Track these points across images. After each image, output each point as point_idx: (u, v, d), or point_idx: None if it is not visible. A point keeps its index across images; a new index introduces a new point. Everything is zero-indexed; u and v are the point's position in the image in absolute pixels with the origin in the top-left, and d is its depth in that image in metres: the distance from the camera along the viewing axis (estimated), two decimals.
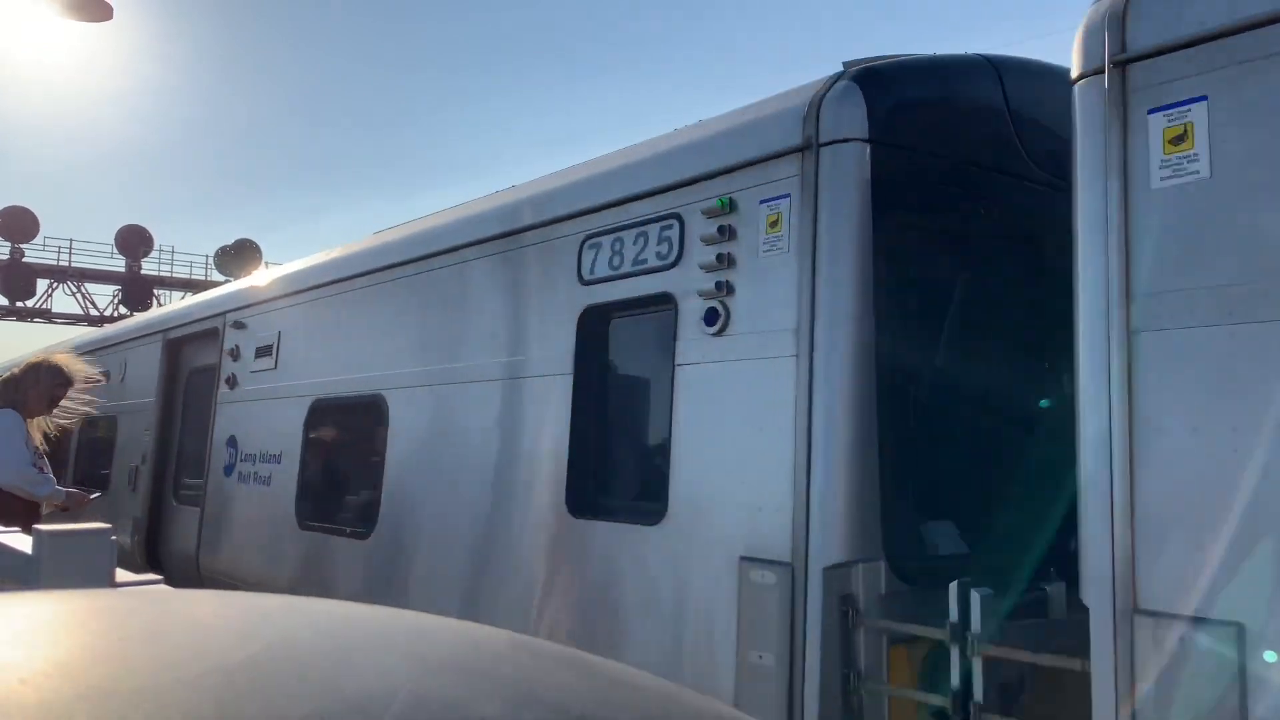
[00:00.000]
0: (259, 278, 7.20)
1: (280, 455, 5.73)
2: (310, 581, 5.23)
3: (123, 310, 33.30)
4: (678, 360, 3.23)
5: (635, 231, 3.54)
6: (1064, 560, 2.68)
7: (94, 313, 34.63)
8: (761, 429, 2.94)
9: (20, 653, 0.68)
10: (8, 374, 5.83)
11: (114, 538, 1.98)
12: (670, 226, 3.38)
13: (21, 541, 2.33)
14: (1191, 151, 2.15)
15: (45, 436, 5.90)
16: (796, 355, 2.87)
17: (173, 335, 7.59)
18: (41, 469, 5.60)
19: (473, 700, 0.68)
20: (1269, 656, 2.05)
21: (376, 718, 0.62)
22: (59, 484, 6.13)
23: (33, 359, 5.92)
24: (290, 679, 0.67)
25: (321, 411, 5.51)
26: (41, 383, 5.72)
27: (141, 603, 0.89)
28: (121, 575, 2.05)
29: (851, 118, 2.91)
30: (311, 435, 5.56)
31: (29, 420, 5.64)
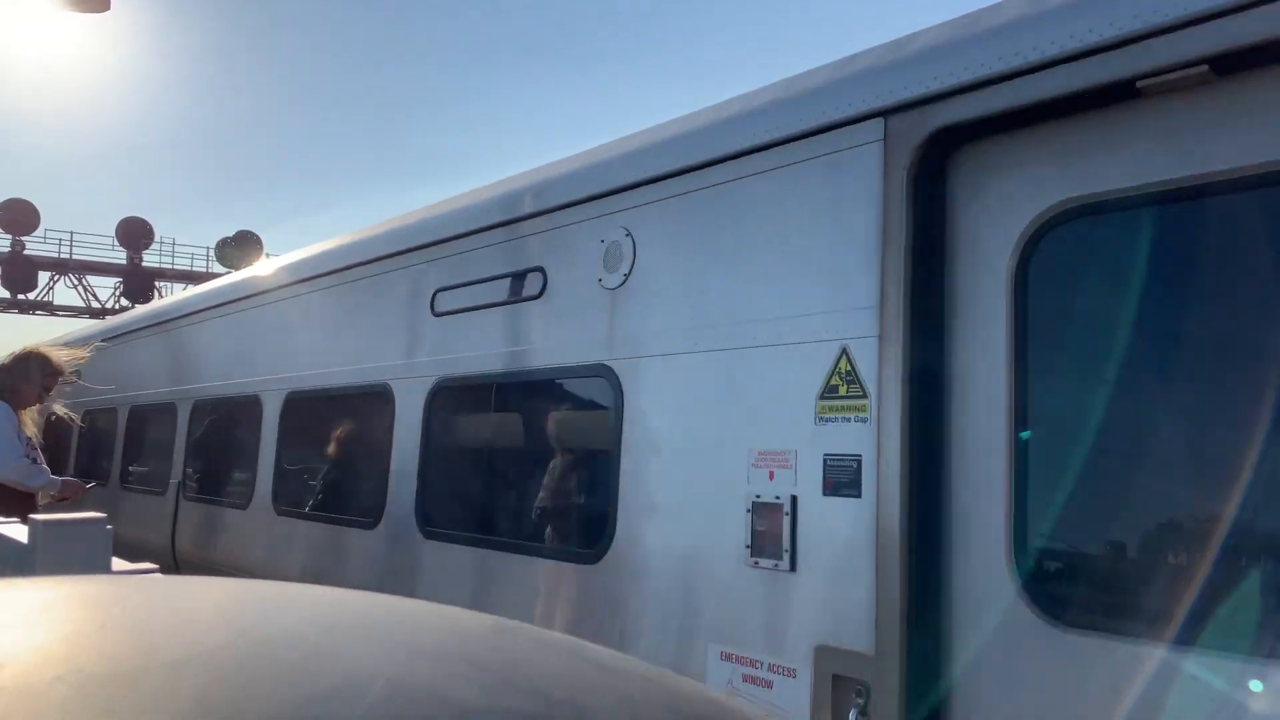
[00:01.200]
0: None
1: None
2: None
3: (124, 302, 33.35)
4: None
5: None
6: None
7: (95, 305, 34.67)
8: None
9: (2, 637, 0.68)
10: None
11: (109, 527, 1.98)
12: None
13: (19, 532, 2.34)
14: None
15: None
16: None
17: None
18: (35, 460, 5.62)
19: (451, 685, 0.69)
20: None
21: (353, 702, 0.62)
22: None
23: (20, 350, 5.92)
24: (269, 664, 0.67)
25: None
26: (32, 374, 5.75)
27: (127, 589, 0.90)
28: (118, 564, 2.05)
29: None
30: None
31: (21, 411, 5.66)
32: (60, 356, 5.98)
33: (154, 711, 0.57)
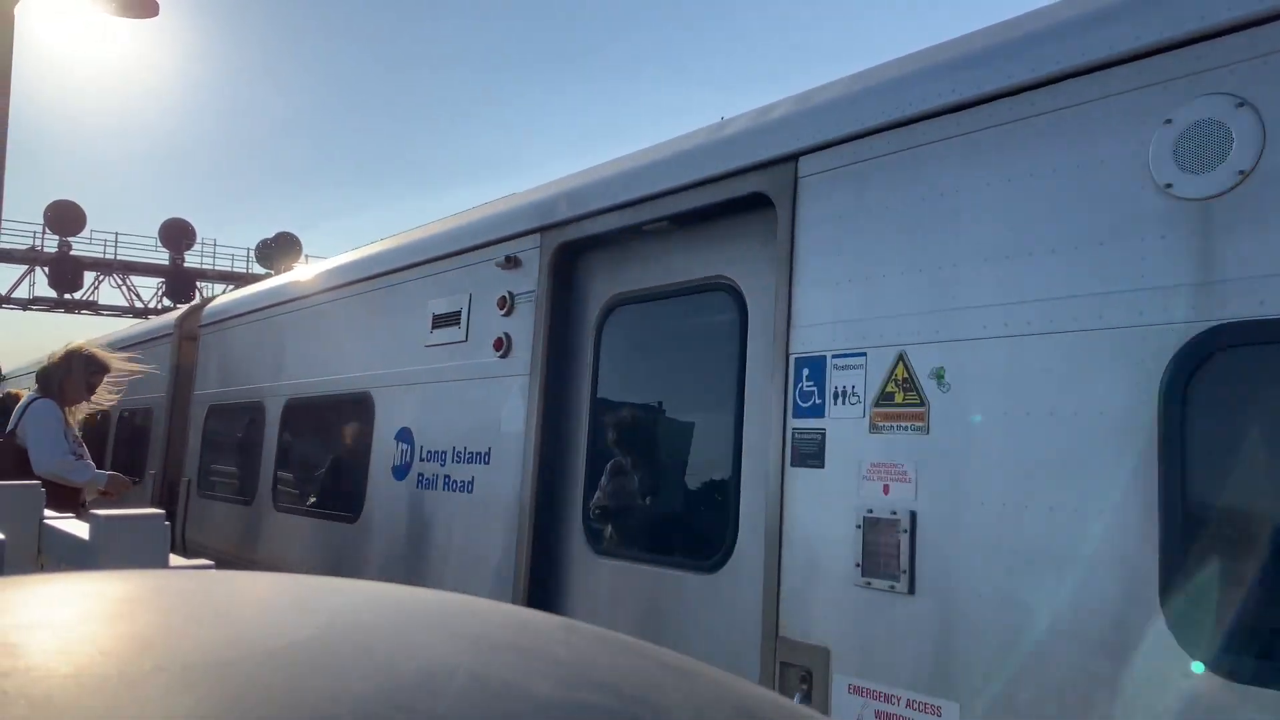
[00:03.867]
0: None
1: None
2: None
3: (166, 302, 33.92)
4: None
5: None
6: None
7: (139, 305, 35.31)
8: None
9: (97, 626, 0.71)
10: (43, 364, 5.98)
11: (166, 523, 2.03)
12: None
13: (73, 526, 2.40)
14: None
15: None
16: None
17: None
18: (80, 456, 5.73)
19: (529, 679, 0.70)
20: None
21: (439, 693, 0.64)
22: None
23: (66, 348, 6.04)
24: (354, 656, 0.69)
25: None
26: (75, 371, 5.85)
27: (204, 582, 0.93)
28: (174, 560, 2.10)
29: None
30: None
31: (67, 408, 5.78)
32: (105, 354, 6.09)
33: (253, 700, 0.59)
